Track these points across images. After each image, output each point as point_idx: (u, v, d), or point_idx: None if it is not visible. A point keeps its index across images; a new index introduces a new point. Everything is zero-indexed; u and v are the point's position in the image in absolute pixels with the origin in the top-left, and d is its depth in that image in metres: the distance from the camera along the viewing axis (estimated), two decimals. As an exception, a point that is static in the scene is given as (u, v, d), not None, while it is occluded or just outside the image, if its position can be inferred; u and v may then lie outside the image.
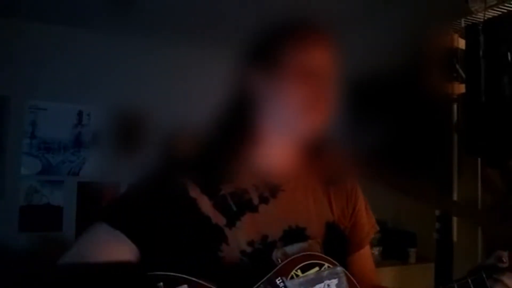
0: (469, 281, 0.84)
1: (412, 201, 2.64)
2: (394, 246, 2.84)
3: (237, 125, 0.88)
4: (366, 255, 0.99)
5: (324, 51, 0.87)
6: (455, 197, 2.25)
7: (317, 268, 0.79)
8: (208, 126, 0.90)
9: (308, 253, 0.81)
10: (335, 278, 0.79)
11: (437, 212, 2.30)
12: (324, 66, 0.86)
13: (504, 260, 0.84)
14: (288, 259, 0.78)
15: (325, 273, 0.79)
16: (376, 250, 2.79)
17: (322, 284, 0.78)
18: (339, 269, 0.80)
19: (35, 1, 2.75)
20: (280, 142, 0.88)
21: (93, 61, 3.15)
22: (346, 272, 0.81)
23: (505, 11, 2.03)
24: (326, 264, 0.80)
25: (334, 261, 0.81)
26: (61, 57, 3.09)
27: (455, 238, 2.25)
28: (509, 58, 1.92)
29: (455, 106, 2.24)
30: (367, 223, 0.98)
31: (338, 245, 0.89)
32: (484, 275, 0.85)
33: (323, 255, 0.81)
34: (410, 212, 2.86)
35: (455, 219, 2.25)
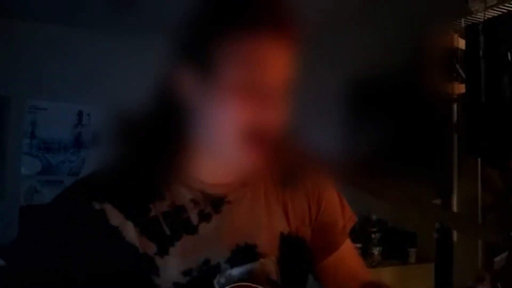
0: None
1: (412, 204, 2.64)
2: (394, 246, 2.84)
3: (168, 129, 0.71)
4: (348, 251, 0.84)
5: (283, 60, 0.67)
6: (455, 197, 2.25)
7: None
8: (133, 130, 0.72)
9: (243, 284, 0.67)
10: None
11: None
12: (279, 78, 0.67)
13: (485, 283, 0.75)
14: None
15: None
16: (376, 250, 2.79)
17: None
18: None
19: (35, 1, 2.75)
20: (217, 154, 0.72)
21: (93, 61, 3.14)
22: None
23: (505, 11, 2.02)
24: None
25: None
26: (61, 57, 3.09)
27: (455, 238, 2.24)
28: (509, 58, 1.92)
29: (455, 106, 2.24)
30: (341, 218, 0.84)
31: (297, 259, 0.77)
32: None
33: (257, 286, 0.67)
34: (410, 212, 2.86)
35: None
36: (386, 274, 2.64)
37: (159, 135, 0.71)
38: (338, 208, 0.84)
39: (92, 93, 3.15)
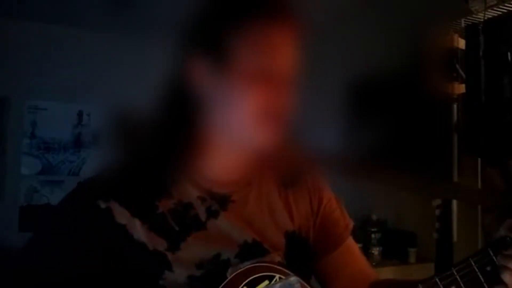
0: (472, 262, 0.71)
1: (412, 201, 2.64)
2: (394, 246, 2.84)
3: (175, 126, 0.73)
4: (351, 251, 0.85)
5: (290, 48, 0.71)
6: (454, 200, 2.25)
7: (266, 282, 0.68)
8: (140, 127, 0.74)
9: (254, 265, 0.69)
10: None
11: (437, 212, 2.30)
12: (287, 65, 0.71)
13: None
14: (231, 276, 0.67)
15: (277, 286, 0.68)
16: (376, 250, 2.79)
17: None
18: (294, 279, 0.69)
19: (35, 1, 2.75)
20: (227, 146, 0.74)
21: (93, 61, 3.14)
22: (302, 281, 0.70)
23: (505, 11, 2.03)
24: (277, 276, 0.69)
25: (287, 271, 0.70)
26: (61, 57, 3.09)
27: (455, 238, 2.25)
28: (509, 58, 1.92)
29: (455, 106, 2.24)
30: (342, 218, 0.85)
31: (302, 255, 0.78)
32: (491, 252, 0.71)
33: (274, 266, 0.70)
34: (410, 212, 2.86)
35: (455, 219, 2.25)
36: (386, 274, 2.64)
37: (166, 133, 0.72)
38: (338, 208, 0.86)
39: (92, 93, 3.15)
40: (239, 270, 0.68)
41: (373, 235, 2.86)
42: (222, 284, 0.67)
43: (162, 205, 0.71)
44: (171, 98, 0.73)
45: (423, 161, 2.25)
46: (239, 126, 0.71)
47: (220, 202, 0.74)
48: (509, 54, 1.92)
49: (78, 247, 0.68)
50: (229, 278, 0.67)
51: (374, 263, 2.71)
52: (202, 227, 0.71)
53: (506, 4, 2.01)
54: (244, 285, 0.67)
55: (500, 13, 2.04)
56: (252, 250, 0.73)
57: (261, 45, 0.69)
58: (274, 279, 0.69)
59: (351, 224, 0.86)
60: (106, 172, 0.73)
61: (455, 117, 2.24)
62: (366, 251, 2.78)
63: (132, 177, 0.71)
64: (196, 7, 0.70)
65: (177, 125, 0.72)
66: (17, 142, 3.10)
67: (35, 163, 3.15)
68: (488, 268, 0.71)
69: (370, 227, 2.88)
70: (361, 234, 2.79)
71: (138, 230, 0.69)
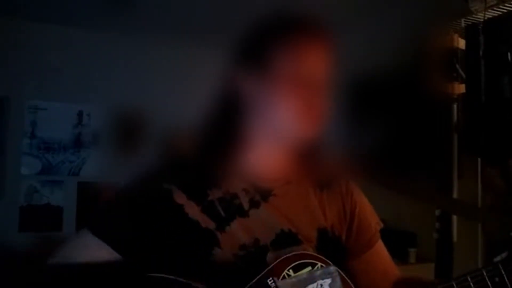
0: (484, 272, 0.79)
1: (412, 201, 2.64)
2: (394, 246, 2.83)
3: (225, 128, 0.85)
4: (380, 252, 0.96)
5: (321, 56, 0.84)
6: (455, 196, 2.25)
7: (309, 268, 0.77)
8: (195, 128, 0.88)
9: (301, 252, 0.78)
10: (328, 277, 0.76)
11: (437, 212, 2.30)
12: (320, 71, 0.83)
13: None
14: (280, 259, 0.77)
15: (318, 272, 0.76)
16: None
17: (314, 284, 0.75)
18: (332, 268, 0.77)
19: (35, 1, 2.75)
20: (271, 146, 0.86)
21: (93, 61, 3.15)
22: (340, 271, 0.79)
23: (505, 11, 2.03)
24: (319, 264, 0.78)
25: (327, 261, 0.79)
26: (61, 57, 3.09)
27: (455, 238, 2.25)
28: (509, 58, 1.92)
29: (455, 106, 2.24)
30: (373, 222, 0.96)
31: (331, 251, 0.86)
32: (501, 267, 0.80)
33: (316, 255, 0.79)
34: (410, 212, 2.86)
35: (455, 219, 2.25)
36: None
37: (218, 134, 0.85)
38: (370, 212, 0.96)
39: (92, 93, 3.16)
40: (286, 255, 0.77)
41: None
42: (271, 266, 0.76)
43: (212, 193, 0.82)
44: (222, 103, 0.85)
45: (423, 161, 2.25)
46: (281, 123, 0.82)
47: (262, 194, 0.84)
48: (509, 54, 1.92)
49: (142, 218, 0.80)
50: (277, 262, 0.76)
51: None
52: (245, 215, 0.82)
53: (506, 4, 2.01)
54: (290, 268, 0.76)
55: (500, 13, 2.04)
56: (287, 239, 0.82)
57: (298, 55, 0.82)
58: (316, 266, 0.77)
59: (380, 226, 0.96)
60: (170, 162, 0.86)
61: (455, 117, 2.24)
62: (366, 251, 2.77)
63: (190, 168, 0.84)
64: (243, 25, 0.84)
65: (227, 127, 0.85)
66: (17, 142, 3.10)
67: (35, 163, 3.15)
68: (497, 279, 0.80)
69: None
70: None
71: (193, 210, 0.80)
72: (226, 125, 0.85)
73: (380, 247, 0.96)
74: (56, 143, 3.21)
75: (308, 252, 0.79)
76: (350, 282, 0.81)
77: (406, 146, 2.21)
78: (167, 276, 0.72)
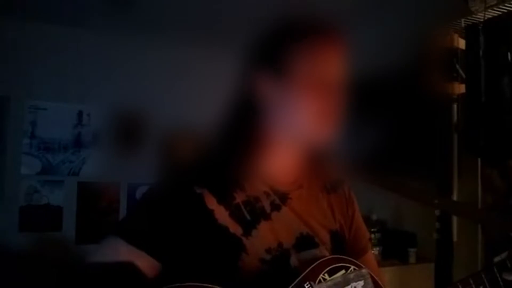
0: (483, 276, 0.82)
1: (412, 201, 2.64)
2: (394, 246, 2.84)
3: (246, 130, 0.86)
4: (371, 261, 0.97)
5: (338, 58, 0.85)
6: (455, 197, 2.25)
7: (343, 271, 0.79)
8: (217, 131, 0.88)
9: (334, 256, 0.81)
10: (361, 280, 0.79)
11: (437, 212, 2.30)
12: (337, 74, 0.84)
13: None
14: (316, 263, 0.78)
15: (352, 275, 0.79)
16: (376, 250, 2.79)
17: (348, 287, 0.78)
18: (365, 271, 0.80)
19: (35, 1, 2.75)
20: (288, 149, 0.87)
21: (93, 61, 3.15)
22: (372, 273, 0.81)
23: (505, 11, 2.02)
24: (352, 267, 0.80)
25: (359, 263, 0.81)
26: (61, 57, 3.10)
27: (455, 238, 2.24)
28: (509, 58, 1.92)
29: (455, 106, 2.23)
30: (366, 229, 0.99)
31: (342, 253, 0.87)
32: (496, 271, 0.83)
33: (350, 258, 0.81)
34: (410, 212, 2.86)
35: (455, 219, 2.25)
36: (386, 274, 2.63)
37: (240, 138, 0.86)
38: (362, 220, 0.99)
39: (92, 93, 3.16)
40: (322, 259, 0.79)
41: (373, 235, 2.86)
42: (308, 269, 0.77)
43: (238, 196, 0.83)
44: (241, 106, 0.86)
45: (423, 161, 2.25)
46: (301, 128, 0.84)
47: (280, 197, 0.86)
48: (509, 54, 1.92)
49: (176, 227, 0.79)
50: (313, 265, 0.78)
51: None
52: (268, 218, 0.83)
53: (506, 4, 2.01)
54: (325, 272, 0.78)
55: (500, 13, 2.04)
56: (306, 242, 0.84)
57: (315, 59, 0.83)
58: (350, 269, 0.79)
59: (368, 235, 0.99)
60: (199, 164, 0.86)
61: (455, 117, 2.24)
62: (366, 251, 2.77)
63: (217, 169, 0.84)
64: (261, 29, 0.85)
65: (247, 130, 0.85)
66: (17, 142, 3.10)
67: (35, 163, 3.15)
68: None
69: (370, 227, 2.87)
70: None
71: (222, 215, 0.80)
72: (247, 128, 0.85)
73: (370, 256, 0.98)
74: (56, 143, 3.21)
75: (342, 256, 0.81)
76: (381, 284, 0.83)
77: (406, 146, 2.21)
78: (194, 284, 0.72)
